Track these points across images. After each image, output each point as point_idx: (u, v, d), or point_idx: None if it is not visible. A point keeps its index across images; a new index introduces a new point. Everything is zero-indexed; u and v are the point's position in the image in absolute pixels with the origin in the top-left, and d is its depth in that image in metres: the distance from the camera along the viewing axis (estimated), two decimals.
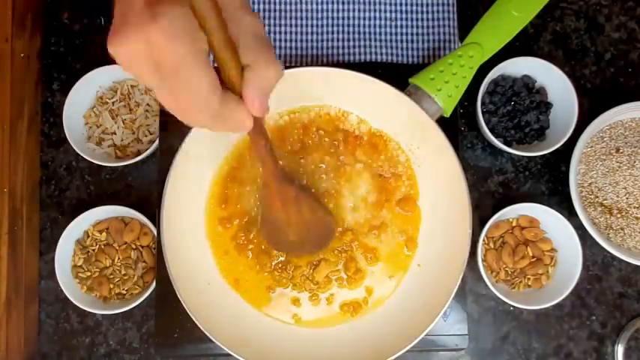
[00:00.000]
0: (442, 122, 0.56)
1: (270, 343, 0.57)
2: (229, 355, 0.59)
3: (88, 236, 0.65)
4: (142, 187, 0.67)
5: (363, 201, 0.60)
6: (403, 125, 0.59)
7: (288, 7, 0.67)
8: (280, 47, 0.67)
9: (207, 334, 0.53)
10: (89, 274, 0.64)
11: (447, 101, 0.55)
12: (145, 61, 0.30)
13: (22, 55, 0.67)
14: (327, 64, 0.66)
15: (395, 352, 0.53)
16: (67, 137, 0.64)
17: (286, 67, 0.56)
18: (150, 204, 0.65)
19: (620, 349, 0.66)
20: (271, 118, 0.60)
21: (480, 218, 0.66)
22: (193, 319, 0.53)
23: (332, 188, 0.60)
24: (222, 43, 0.32)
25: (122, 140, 0.67)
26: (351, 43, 0.67)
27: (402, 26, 0.67)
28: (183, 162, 0.56)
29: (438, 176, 0.58)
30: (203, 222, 0.60)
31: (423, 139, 0.58)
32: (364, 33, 0.67)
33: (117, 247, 0.65)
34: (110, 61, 0.67)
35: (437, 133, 0.55)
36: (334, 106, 0.61)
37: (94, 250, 0.65)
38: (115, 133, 0.67)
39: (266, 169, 0.47)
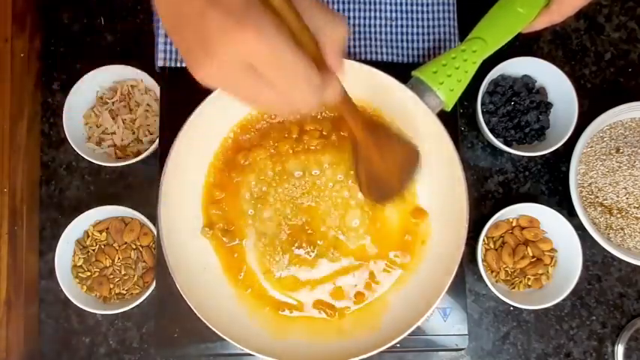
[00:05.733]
0: (442, 122, 0.56)
1: (268, 333, 0.57)
2: (229, 355, 0.59)
3: (88, 236, 0.65)
4: (142, 187, 0.67)
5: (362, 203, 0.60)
6: (404, 118, 0.58)
7: None
8: None
9: (203, 320, 0.52)
10: (89, 274, 0.64)
11: (448, 95, 0.55)
12: (240, 70, 0.31)
13: (22, 55, 0.67)
14: None
15: (390, 341, 0.53)
16: (67, 137, 0.64)
17: None
18: (150, 204, 0.65)
19: (620, 349, 0.66)
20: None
21: (480, 218, 0.66)
22: (188, 303, 0.52)
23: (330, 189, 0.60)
24: (297, 21, 0.32)
25: (122, 140, 0.67)
26: (351, 43, 0.67)
27: (402, 26, 0.67)
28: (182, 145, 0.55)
29: (438, 170, 0.58)
30: (200, 210, 0.59)
31: (423, 132, 0.58)
32: (364, 33, 0.67)
33: (117, 247, 0.65)
34: (110, 61, 0.67)
35: (437, 127, 0.55)
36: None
37: (94, 250, 0.65)
38: (115, 133, 0.66)
39: (356, 125, 0.47)
